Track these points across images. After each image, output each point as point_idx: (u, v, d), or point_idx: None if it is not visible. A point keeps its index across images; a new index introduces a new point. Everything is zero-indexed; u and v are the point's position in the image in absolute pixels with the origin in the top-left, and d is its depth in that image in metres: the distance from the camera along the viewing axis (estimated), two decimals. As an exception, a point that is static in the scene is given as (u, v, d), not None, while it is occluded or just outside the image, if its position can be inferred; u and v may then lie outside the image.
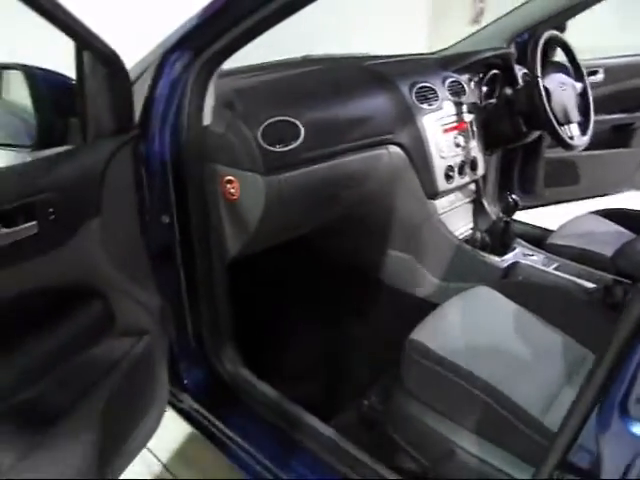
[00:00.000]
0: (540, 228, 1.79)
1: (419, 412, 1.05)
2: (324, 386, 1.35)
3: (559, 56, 1.67)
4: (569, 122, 1.51)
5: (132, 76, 1.02)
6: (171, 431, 1.49)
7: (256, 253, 1.33)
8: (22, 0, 0.67)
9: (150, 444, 1.36)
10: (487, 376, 0.96)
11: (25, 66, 0.87)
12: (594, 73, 1.90)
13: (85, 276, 0.84)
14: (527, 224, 1.84)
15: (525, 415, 0.87)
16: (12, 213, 0.71)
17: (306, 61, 1.57)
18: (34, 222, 0.73)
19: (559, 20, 1.68)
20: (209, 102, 1.08)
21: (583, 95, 1.56)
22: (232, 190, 1.11)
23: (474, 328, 1.11)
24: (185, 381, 1.24)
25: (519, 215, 2.07)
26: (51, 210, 0.75)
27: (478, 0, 1.55)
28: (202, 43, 0.98)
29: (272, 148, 1.07)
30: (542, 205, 2.07)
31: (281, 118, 1.09)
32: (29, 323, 0.78)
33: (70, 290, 0.82)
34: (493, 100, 1.60)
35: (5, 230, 0.70)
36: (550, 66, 1.63)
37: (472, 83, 1.59)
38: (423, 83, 1.39)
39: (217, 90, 1.10)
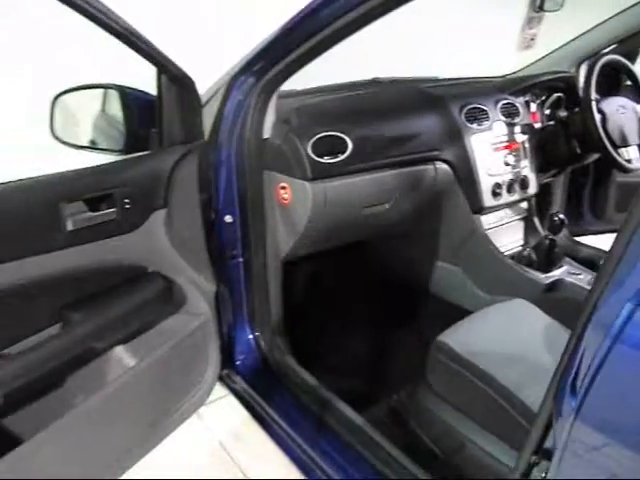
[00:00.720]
0: (594, 248, 1.78)
1: (438, 408, 1.13)
2: (362, 381, 1.45)
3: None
4: (626, 145, 1.52)
5: (206, 97, 1.21)
6: (228, 411, 1.65)
7: (313, 258, 1.48)
8: (115, 35, 0.87)
9: (208, 422, 1.55)
10: (507, 382, 1.02)
11: (119, 86, 1.08)
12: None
13: (151, 257, 1.02)
14: (581, 243, 1.84)
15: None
16: (97, 201, 0.90)
17: (373, 82, 1.71)
18: (114, 209, 0.92)
19: (629, 45, 1.69)
20: (269, 118, 1.24)
21: (646, 119, 1.56)
22: (285, 195, 1.27)
23: (502, 336, 1.17)
24: (238, 363, 1.40)
25: (589, 238, 2.04)
26: (127, 201, 0.94)
27: (527, 27, 1.59)
28: (262, 69, 1.15)
29: (320, 159, 1.22)
30: (613, 231, 2.04)
31: (330, 133, 1.24)
32: (106, 290, 0.97)
33: (138, 267, 1.01)
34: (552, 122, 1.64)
35: (90, 214, 0.89)
36: (615, 90, 1.64)
37: (533, 105, 1.64)
38: (474, 105, 1.47)
39: (278, 108, 1.27)
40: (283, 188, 1.27)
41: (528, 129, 1.56)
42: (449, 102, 1.45)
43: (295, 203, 1.26)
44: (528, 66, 1.80)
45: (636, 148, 1.55)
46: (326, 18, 0.98)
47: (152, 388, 1.08)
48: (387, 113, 1.37)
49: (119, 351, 1.02)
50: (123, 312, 0.97)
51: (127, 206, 0.94)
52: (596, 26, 1.65)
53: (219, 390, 1.49)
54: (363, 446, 1.17)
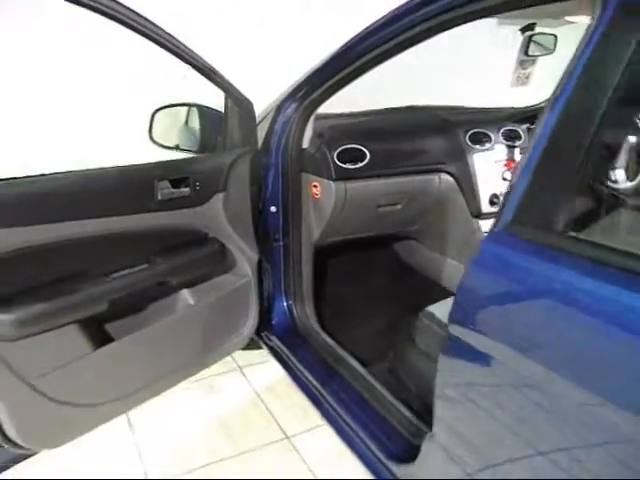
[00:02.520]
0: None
1: (421, 362, 1.44)
2: (368, 342, 1.76)
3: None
4: (613, 167, 1.78)
5: (260, 117, 1.62)
6: (267, 371, 2.03)
7: (340, 246, 1.84)
8: (197, 70, 1.29)
9: (250, 378, 1.92)
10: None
11: (199, 104, 1.51)
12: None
13: (212, 226, 1.42)
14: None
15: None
16: (178, 182, 1.32)
17: (409, 108, 2.06)
18: (187, 188, 1.33)
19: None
20: (307, 133, 1.63)
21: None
22: (316, 192, 1.65)
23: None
24: (274, 324, 1.78)
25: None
26: (198, 184, 1.35)
27: (521, 68, 1.85)
28: (303, 96, 1.54)
29: (343, 165, 1.59)
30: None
31: (352, 146, 1.61)
32: (179, 244, 1.37)
33: (199, 233, 1.41)
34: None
35: (172, 190, 1.31)
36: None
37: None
38: (478, 129, 1.80)
39: (317, 125, 1.66)
40: (315, 186, 1.65)
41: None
42: (456, 126, 1.79)
43: (323, 198, 1.64)
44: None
45: (623, 171, 1.81)
46: (351, 56, 1.36)
47: (205, 324, 1.47)
48: (402, 132, 1.72)
49: (184, 292, 1.43)
50: (189, 261, 1.37)
51: (197, 187, 1.35)
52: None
53: (261, 355, 1.87)
54: (363, 389, 1.50)
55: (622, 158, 1.04)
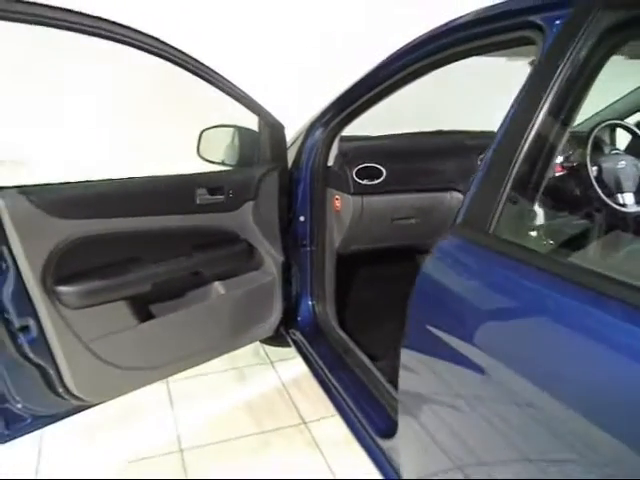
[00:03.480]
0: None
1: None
2: (378, 342, 1.94)
3: None
4: (621, 191, 1.89)
5: (291, 140, 1.87)
6: (294, 367, 2.25)
7: (366, 256, 2.04)
8: (236, 99, 1.56)
9: (278, 371, 2.14)
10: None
11: (239, 126, 1.78)
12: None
13: (243, 229, 1.68)
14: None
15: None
16: (214, 190, 1.58)
17: (437, 132, 2.26)
18: (222, 196, 1.60)
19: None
20: (332, 153, 1.87)
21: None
22: (338, 204, 1.88)
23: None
24: (299, 320, 2.00)
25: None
26: (231, 192, 1.61)
27: None
28: (328, 121, 1.79)
29: (360, 181, 1.81)
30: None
31: (370, 164, 1.83)
32: (214, 242, 1.63)
33: (232, 233, 1.66)
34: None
35: (209, 196, 1.57)
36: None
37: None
38: None
39: (342, 146, 1.89)
40: (337, 199, 1.88)
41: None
42: (470, 149, 1.96)
43: (343, 210, 1.86)
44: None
45: (632, 195, 1.91)
46: (367, 87, 1.59)
47: (233, 312, 1.72)
48: (418, 154, 1.92)
49: (217, 284, 1.68)
50: (221, 257, 1.63)
51: (230, 195, 1.61)
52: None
53: (291, 352, 2.09)
54: (368, 380, 1.69)
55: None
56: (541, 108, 0.93)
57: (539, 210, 1.10)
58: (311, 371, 1.86)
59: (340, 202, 1.87)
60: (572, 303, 0.77)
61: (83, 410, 1.53)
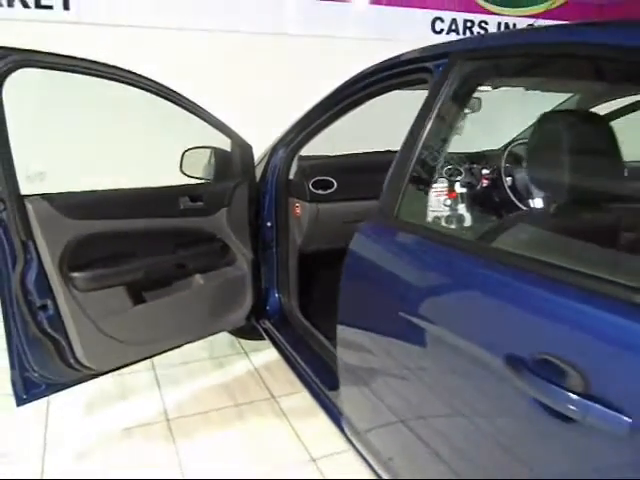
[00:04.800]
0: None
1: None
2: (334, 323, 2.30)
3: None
4: (531, 197, 2.32)
5: (258, 159, 2.26)
6: (266, 354, 2.60)
7: (320, 254, 2.42)
8: (211, 124, 1.95)
9: (252, 359, 2.48)
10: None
11: (215, 147, 2.16)
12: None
13: (218, 230, 2.04)
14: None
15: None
16: (195, 198, 1.95)
17: (378, 152, 2.67)
18: (201, 203, 1.97)
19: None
20: (292, 169, 2.26)
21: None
22: (298, 211, 2.26)
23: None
24: (268, 310, 2.35)
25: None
26: (209, 199, 1.99)
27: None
28: (288, 142, 2.18)
29: (316, 191, 2.20)
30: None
31: (323, 178, 2.22)
32: (194, 241, 2.00)
33: (210, 234, 2.03)
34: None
35: (191, 203, 1.94)
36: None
37: (476, 169, 2.50)
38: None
39: (301, 163, 2.28)
40: (297, 206, 2.26)
41: (467, 185, 2.42)
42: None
43: (302, 215, 2.24)
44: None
45: (541, 200, 2.34)
46: (317, 114, 1.99)
47: (211, 300, 2.07)
48: (365, 169, 2.32)
49: (197, 276, 2.03)
50: (202, 253, 2.00)
51: (209, 202, 1.99)
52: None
53: (265, 344, 2.43)
54: (323, 353, 2.04)
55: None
56: (425, 127, 1.34)
57: (429, 199, 1.50)
58: (278, 352, 2.21)
59: (300, 209, 2.25)
60: (452, 263, 1.15)
61: (90, 379, 1.85)
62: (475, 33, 5.04)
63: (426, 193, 1.46)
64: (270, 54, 4.11)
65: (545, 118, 1.24)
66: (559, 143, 1.13)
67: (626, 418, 0.72)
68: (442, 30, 4.89)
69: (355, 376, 1.53)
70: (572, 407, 0.78)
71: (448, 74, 1.32)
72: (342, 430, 1.66)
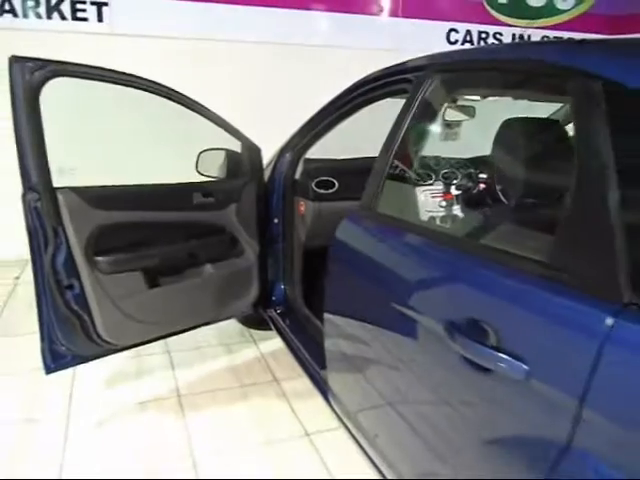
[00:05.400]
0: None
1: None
2: None
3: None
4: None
5: (266, 162, 2.47)
6: (273, 342, 2.79)
7: (322, 248, 2.61)
8: (224, 129, 2.16)
9: (259, 347, 2.68)
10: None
11: (228, 149, 2.38)
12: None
13: (228, 223, 2.26)
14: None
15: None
16: (207, 193, 2.17)
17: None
18: (212, 198, 2.18)
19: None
20: (298, 170, 2.46)
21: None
22: (302, 209, 2.46)
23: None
24: (273, 300, 2.55)
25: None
26: (220, 196, 2.20)
27: (448, 128, 2.60)
28: (294, 146, 2.39)
29: (319, 190, 2.40)
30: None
31: (325, 178, 2.42)
32: (206, 233, 2.21)
33: (220, 227, 2.24)
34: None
35: (204, 198, 2.16)
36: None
37: (471, 173, 2.66)
38: (424, 172, 2.55)
39: (307, 165, 2.48)
40: (301, 205, 2.46)
41: (463, 187, 2.58)
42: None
43: (306, 213, 2.44)
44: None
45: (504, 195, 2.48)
46: (319, 120, 2.19)
47: (220, 288, 2.28)
48: (363, 171, 2.50)
49: (208, 265, 2.24)
50: (212, 243, 2.21)
51: (220, 198, 2.20)
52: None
53: (273, 333, 2.63)
54: (320, 338, 2.22)
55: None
56: (402, 130, 1.52)
57: (403, 194, 1.68)
58: (281, 339, 2.40)
59: (304, 207, 2.45)
60: (418, 248, 1.33)
61: (110, 354, 2.07)
62: (490, 44, 5.20)
63: (400, 189, 1.64)
64: (295, 63, 4.38)
65: (506, 124, 1.41)
66: (516, 146, 1.31)
67: (525, 366, 0.89)
68: (457, 41, 5.07)
69: (337, 353, 1.71)
70: (488, 359, 0.96)
71: (422, 85, 1.50)
72: (333, 409, 1.84)
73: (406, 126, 1.52)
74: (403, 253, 1.36)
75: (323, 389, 1.92)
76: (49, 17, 3.80)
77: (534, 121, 1.31)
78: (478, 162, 2.71)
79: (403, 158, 1.55)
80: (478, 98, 1.85)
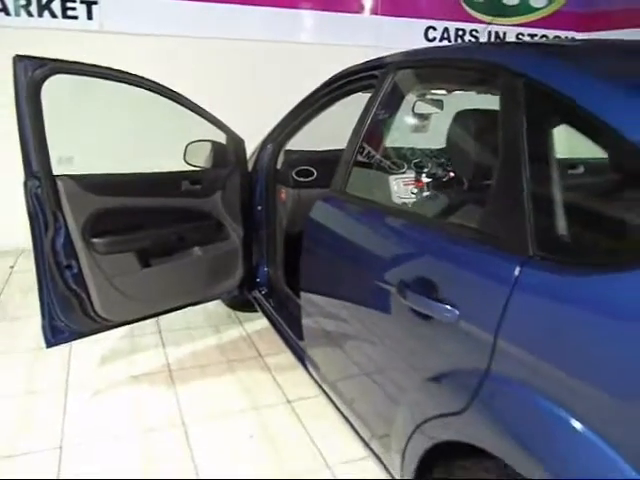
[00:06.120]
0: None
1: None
2: None
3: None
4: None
5: (250, 153, 2.65)
6: (258, 322, 2.98)
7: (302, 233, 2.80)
8: (209, 121, 2.34)
9: (245, 327, 2.87)
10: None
11: (214, 141, 2.55)
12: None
13: (214, 210, 2.44)
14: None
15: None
16: (195, 181, 2.35)
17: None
18: (200, 186, 2.36)
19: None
20: (280, 160, 2.65)
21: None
22: (283, 196, 2.65)
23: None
24: (258, 281, 2.74)
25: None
26: (206, 183, 2.38)
27: (417, 120, 2.83)
28: (275, 138, 2.57)
29: (299, 179, 2.59)
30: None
31: (305, 167, 2.61)
32: (195, 218, 2.39)
33: (207, 213, 2.42)
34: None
35: (191, 186, 2.34)
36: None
37: (442, 162, 2.86)
38: (396, 160, 2.75)
39: (288, 156, 2.66)
40: (282, 193, 2.65)
41: (432, 175, 2.78)
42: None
43: (287, 199, 2.62)
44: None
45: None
46: (296, 114, 2.38)
47: (208, 269, 2.46)
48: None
49: (196, 248, 2.42)
50: (200, 228, 2.39)
51: (206, 186, 2.38)
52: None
53: (258, 315, 2.82)
54: (298, 315, 2.42)
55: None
56: (368, 119, 1.71)
57: (368, 177, 1.87)
58: (265, 317, 2.59)
59: (285, 194, 2.63)
60: (378, 222, 1.53)
61: (105, 330, 2.25)
62: (467, 41, 5.41)
63: (365, 173, 1.84)
64: (280, 60, 4.59)
65: (458, 115, 1.60)
66: (463, 135, 1.50)
67: (457, 311, 1.09)
68: (435, 38, 5.26)
69: (312, 322, 1.90)
70: (431, 308, 1.15)
71: (384, 81, 1.69)
72: (312, 377, 2.03)
73: (371, 118, 1.71)
74: (365, 227, 1.56)
75: (302, 358, 2.11)
76: (40, 15, 3.94)
77: (477, 112, 1.50)
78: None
79: (368, 146, 1.73)
80: (437, 92, 2.04)
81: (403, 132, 2.62)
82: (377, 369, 1.50)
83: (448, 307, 1.10)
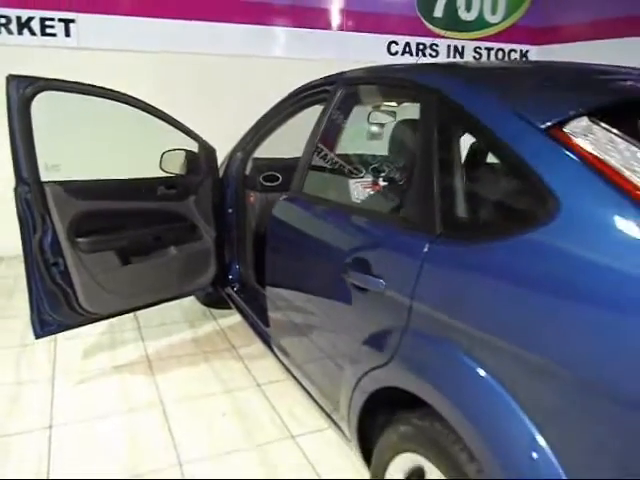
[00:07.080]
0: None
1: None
2: None
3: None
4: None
5: (220, 161, 2.90)
6: (232, 318, 3.21)
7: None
8: (182, 131, 2.58)
9: (219, 322, 3.10)
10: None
11: (187, 150, 2.79)
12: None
13: (188, 212, 2.67)
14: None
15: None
16: (170, 186, 2.59)
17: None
18: (174, 190, 2.60)
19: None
20: (248, 167, 2.90)
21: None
22: (252, 200, 2.90)
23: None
24: (230, 278, 2.97)
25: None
26: (181, 188, 2.62)
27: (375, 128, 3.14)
28: (244, 146, 2.82)
29: (266, 183, 2.84)
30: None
31: (271, 173, 2.86)
32: (170, 220, 2.62)
33: (181, 215, 2.66)
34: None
35: (166, 190, 2.58)
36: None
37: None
38: (357, 166, 3.02)
39: (256, 163, 2.92)
40: (251, 196, 2.90)
41: (389, 179, 3.06)
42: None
43: (255, 203, 2.88)
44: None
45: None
46: (261, 125, 2.64)
47: (183, 267, 2.68)
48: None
49: (172, 247, 2.65)
50: (175, 229, 2.62)
51: (180, 190, 2.62)
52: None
53: (231, 312, 3.05)
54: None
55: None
56: (320, 128, 1.97)
57: (320, 179, 2.14)
58: (237, 311, 2.83)
59: (253, 198, 2.89)
60: (327, 216, 1.79)
61: (90, 322, 2.46)
62: (427, 55, 5.76)
63: (318, 175, 2.11)
64: (254, 74, 4.88)
65: (397, 124, 1.88)
66: (399, 140, 1.78)
67: (383, 282, 1.35)
68: (397, 52, 5.59)
69: (275, 310, 2.15)
70: (366, 282, 1.41)
71: (334, 96, 1.97)
72: (279, 359, 2.26)
73: (323, 128, 1.97)
74: (317, 220, 1.82)
75: (269, 343, 2.36)
76: (20, 33, 4.14)
77: (408, 122, 1.78)
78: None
79: (321, 152, 2.00)
80: (376, 105, 2.33)
81: (351, 140, 2.89)
82: (330, 343, 1.75)
83: (377, 279, 1.36)
